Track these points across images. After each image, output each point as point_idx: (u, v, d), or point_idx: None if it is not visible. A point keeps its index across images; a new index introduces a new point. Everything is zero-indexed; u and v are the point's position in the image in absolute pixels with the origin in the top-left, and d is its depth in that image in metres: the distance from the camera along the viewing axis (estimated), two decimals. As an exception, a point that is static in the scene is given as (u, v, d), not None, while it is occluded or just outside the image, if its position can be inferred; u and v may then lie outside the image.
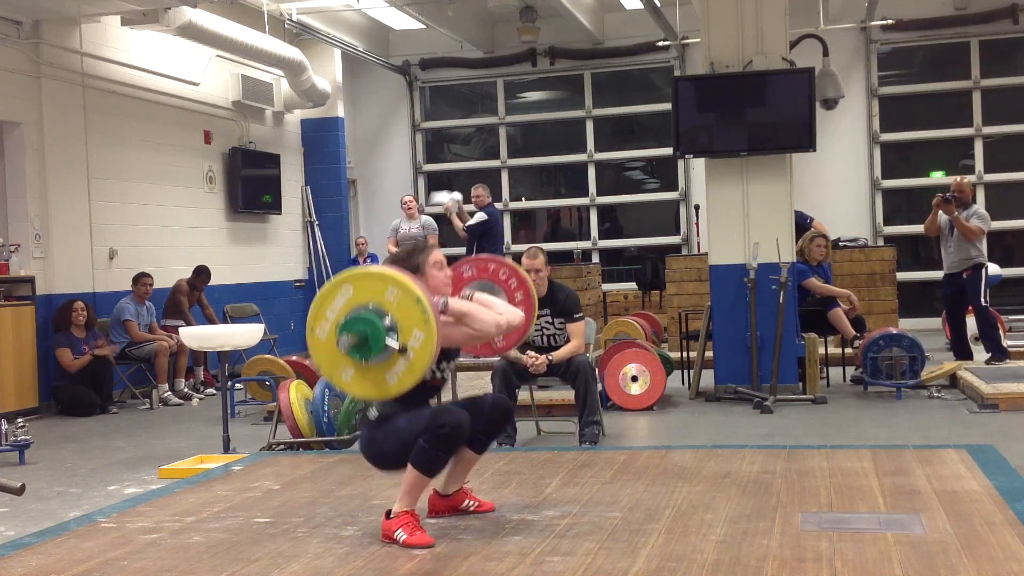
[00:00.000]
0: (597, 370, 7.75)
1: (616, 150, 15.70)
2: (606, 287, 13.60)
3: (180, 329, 8.23)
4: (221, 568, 3.96)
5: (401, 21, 14.83)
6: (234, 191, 12.86)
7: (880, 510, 4.39)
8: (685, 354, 9.61)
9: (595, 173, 15.59)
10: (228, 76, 12.82)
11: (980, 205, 10.34)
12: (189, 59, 11.94)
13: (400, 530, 4.15)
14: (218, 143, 12.70)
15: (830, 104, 12.70)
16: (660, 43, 14.49)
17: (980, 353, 9.65)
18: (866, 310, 10.21)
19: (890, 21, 14.02)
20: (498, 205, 14.20)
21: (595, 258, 15.28)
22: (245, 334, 7.48)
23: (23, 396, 9.44)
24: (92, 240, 10.46)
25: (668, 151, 13.56)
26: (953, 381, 8.84)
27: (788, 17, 8.73)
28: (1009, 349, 9.70)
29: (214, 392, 10.51)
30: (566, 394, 7.16)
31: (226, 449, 6.80)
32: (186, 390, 10.43)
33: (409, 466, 4.18)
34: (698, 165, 13.76)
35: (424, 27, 14.55)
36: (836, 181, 14.37)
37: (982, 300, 9.41)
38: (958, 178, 9.89)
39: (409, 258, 4.33)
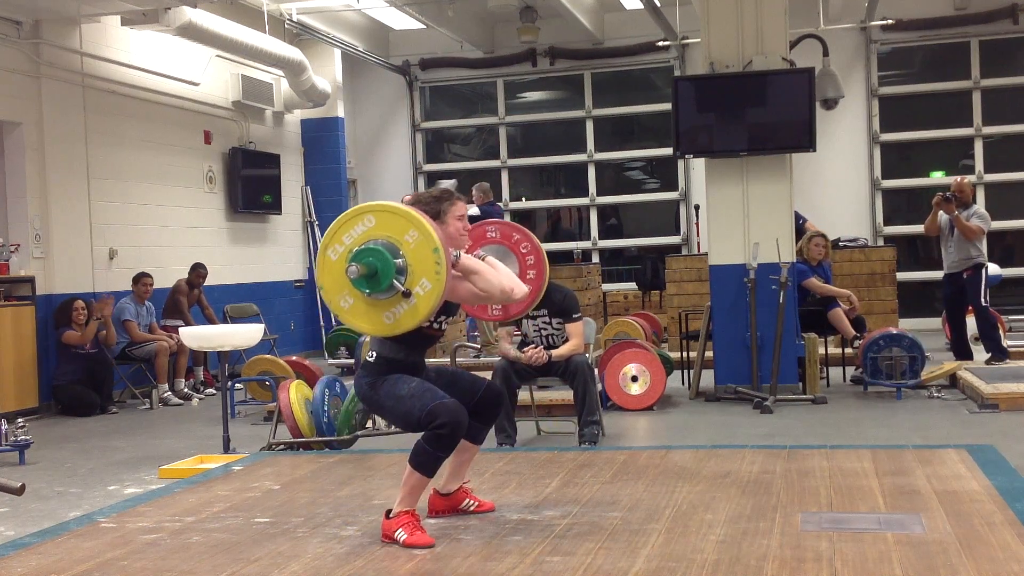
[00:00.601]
0: (597, 370, 7.76)
1: (616, 150, 15.70)
2: (606, 287, 13.60)
3: (180, 329, 8.23)
4: (221, 568, 3.96)
5: (401, 21, 14.83)
6: (234, 191, 12.86)
7: (880, 510, 4.39)
8: (685, 354, 9.61)
9: (595, 173, 15.59)
10: (228, 76, 12.82)
11: (980, 205, 10.35)
12: (189, 59, 11.95)
13: (400, 530, 4.15)
14: (218, 143, 12.70)
15: (830, 104, 12.71)
16: (660, 43, 14.49)
17: (980, 353, 9.65)
18: (866, 310, 10.21)
19: (890, 21, 14.01)
20: (499, 205, 14.20)
21: (595, 258, 15.28)
22: (245, 334, 7.48)
23: (23, 396, 9.44)
24: (92, 240, 10.46)
25: (668, 151, 13.56)
26: (953, 381, 8.84)
27: (788, 17, 8.73)
28: (1009, 349, 9.69)
29: (214, 392, 10.51)
30: (566, 394, 7.16)
31: (226, 449, 6.80)
32: (186, 390, 10.43)
33: (408, 467, 4.18)
34: (698, 165, 13.76)
35: (424, 27, 14.55)
36: (836, 181, 14.36)
37: (982, 300, 9.41)
38: (958, 178, 9.89)
39: (433, 202, 4.28)
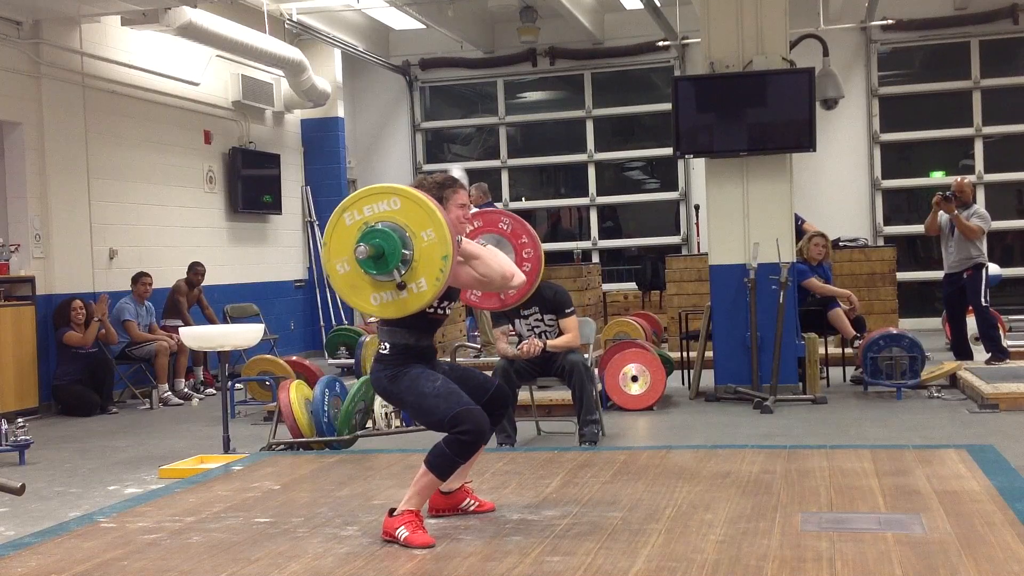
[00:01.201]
0: (597, 370, 7.75)
1: (616, 150, 15.70)
2: (606, 287, 13.59)
3: (180, 329, 8.23)
4: (221, 568, 3.96)
5: (401, 21, 14.83)
6: (234, 191, 12.86)
7: (880, 510, 4.39)
8: (685, 354, 9.61)
9: (595, 173, 15.59)
10: (228, 76, 12.82)
11: (980, 205, 10.34)
12: (189, 59, 11.95)
13: (402, 527, 4.16)
14: (218, 143, 12.70)
15: (830, 104, 12.70)
16: (660, 43, 14.49)
17: (980, 353, 9.65)
18: (866, 310, 10.21)
19: (890, 21, 14.01)
20: (498, 205, 14.20)
21: (595, 258, 15.28)
22: (245, 334, 7.49)
23: (23, 396, 9.44)
24: (92, 240, 10.46)
25: (668, 151, 13.56)
26: (953, 381, 8.84)
27: (788, 17, 8.72)
28: (1009, 349, 9.69)
29: (214, 392, 10.51)
30: (566, 394, 7.16)
31: (226, 449, 6.80)
32: (186, 390, 10.43)
33: (423, 467, 4.20)
34: (698, 165, 13.77)
35: (424, 27, 14.55)
36: (836, 181, 14.36)
37: (982, 300, 9.41)
38: (959, 178, 9.88)
39: (436, 188, 4.32)
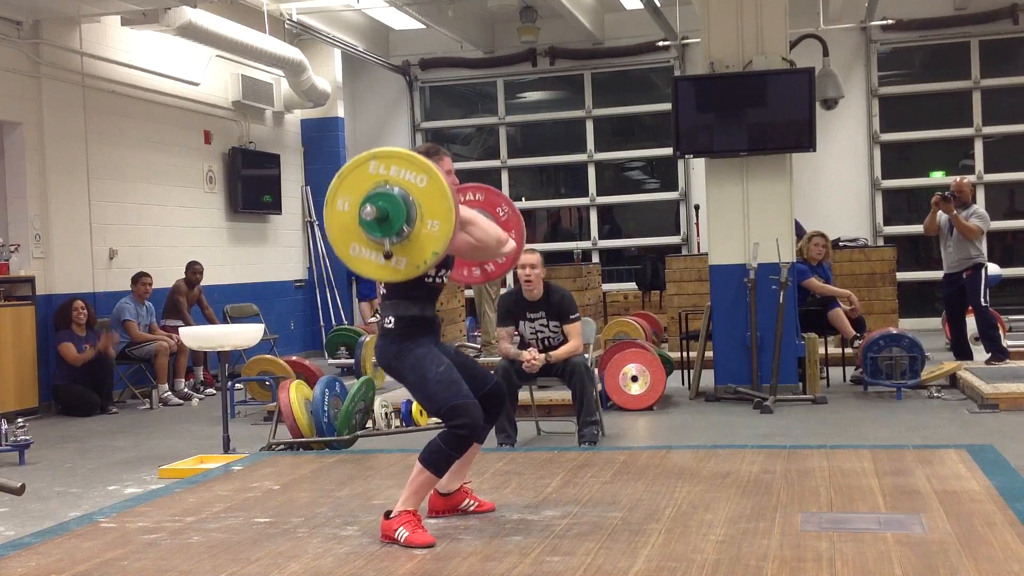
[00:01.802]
0: (597, 370, 7.75)
1: (616, 150, 15.70)
2: (606, 287, 13.60)
3: (180, 329, 8.23)
4: (221, 568, 3.96)
5: (401, 21, 14.83)
6: (234, 191, 12.87)
7: (880, 510, 4.39)
8: (685, 354, 9.61)
9: (595, 173, 15.58)
10: (228, 76, 12.82)
11: (980, 205, 10.34)
12: (189, 59, 11.95)
13: (402, 528, 4.16)
14: (218, 143, 12.70)
15: (830, 104, 12.69)
16: (660, 43, 14.49)
17: (980, 353, 9.65)
18: (866, 310, 10.20)
19: (890, 21, 14.01)
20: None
21: (595, 258, 15.27)
22: (245, 334, 7.49)
23: (23, 396, 9.44)
24: (92, 240, 10.46)
25: (668, 151, 13.55)
26: (953, 381, 8.84)
27: (788, 17, 8.72)
28: (1009, 349, 9.69)
29: (214, 392, 10.51)
30: (566, 394, 7.16)
31: (226, 449, 6.80)
32: (186, 390, 10.43)
33: (418, 465, 4.20)
34: (698, 165, 13.76)
35: (424, 27, 14.55)
36: (836, 181, 14.36)
37: (982, 300, 9.40)
38: (958, 178, 9.88)
39: (423, 156, 4.29)
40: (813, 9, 12.87)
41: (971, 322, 9.76)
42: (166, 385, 10.14)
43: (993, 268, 10.68)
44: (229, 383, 7.57)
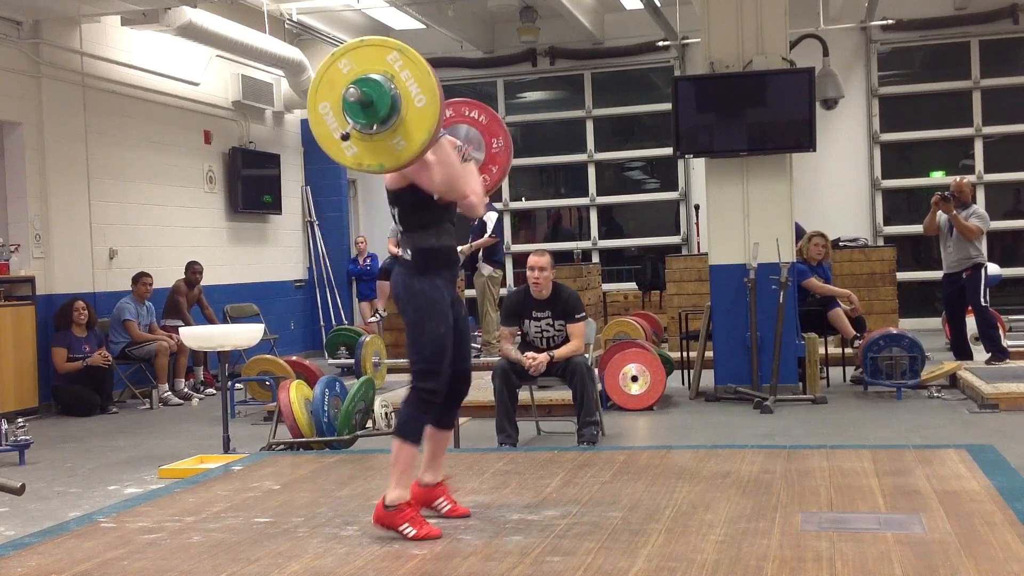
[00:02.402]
0: (597, 370, 7.75)
1: (616, 150, 15.69)
2: (606, 287, 13.60)
3: (180, 329, 8.23)
4: (221, 568, 3.96)
5: (401, 21, 14.82)
6: (234, 191, 12.87)
7: (880, 510, 4.39)
8: (685, 354, 9.61)
9: (595, 173, 15.58)
10: (228, 76, 12.82)
11: (980, 205, 10.34)
12: (189, 59, 11.95)
13: (407, 525, 4.17)
14: (218, 143, 12.70)
15: (830, 104, 12.69)
16: (660, 43, 14.49)
17: (980, 353, 9.65)
18: (866, 310, 10.21)
19: (890, 21, 14.01)
20: (498, 205, 14.21)
21: (595, 258, 15.27)
22: (245, 334, 7.49)
23: (23, 396, 9.44)
24: (92, 240, 10.46)
25: (668, 151, 13.54)
26: (953, 381, 8.84)
27: (788, 17, 8.72)
28: (1009, 349, 9.69)
29: (214, 392, 10.51)
30: (566, 394, 7.16)
31: (226, 449, 6.80)
32: (186, 390, 10.43)
33: (396, 442, 4.27)
34: (698, 165, 13.76)
35: (424, 27, 14.53)
36: (836, 181, 14.36)
37: (982, 300, 9.41)
38: (958, 178, 9.88)
39: None
40: (813, 9, 12.87)
41: (971, 322, 9.77)
42: (166, 385, 10.14)
43: (993, 268, 10.68)
44: (229, 383, 7.57)
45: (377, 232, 14.99)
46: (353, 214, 15.74)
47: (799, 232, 9.60)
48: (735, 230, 8.65)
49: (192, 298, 11.21)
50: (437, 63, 15.57)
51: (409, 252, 4.36)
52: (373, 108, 4.01)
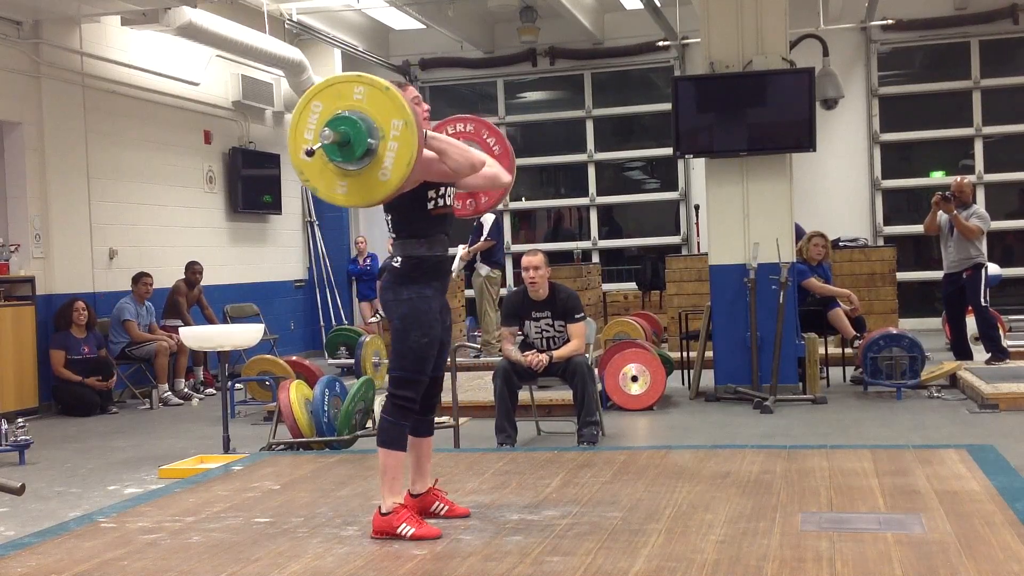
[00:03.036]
0: (597, 370, 7.75)
1: (616, 150, 15.70)
2: (606, 287, 13.60)
3: (180, 329, 8.22)
4: (221, 568, 3.96)
5: (401, 21, 14.83)
6: (234, 191, 12.87)
7: (880, 510, 4.39)
8: (685, 354, 9.61)
9: (595, 173, 15.59)
10: (228, 76, 12.82)
11: (980, 205, 10.34)
12: (189, 59, 11.95)
13: (405, 524, 4.18)
14: (218, 143, 12.70)
15: (830, 104, 12.69)
16: (660, 43, 14.49)
17: (980, 353, 9.65)
18: (866, 310, 10.21)
19: (890, 21, 14.01)
20: (498, 206, 14.19)
21: (595, 258, 15.27)
22: (245, 334, 7.49)
23: (23, 396, 9.44)
24: (92, 240, 10.46)
25: (668, 151, 13.54)
26: (953, 381, 8.84)
27: (788, 17, 8.72)
28: (1009, 349, 9.69)
29: (214, 392, 10.51)
30: (566, 394, 7.17)
31: (226, 449, 6.80)
32: (186, 390, 10.43)
33: (380, 451, 4.28)
34: (698, 165, 13.76)
35: (424, 27, 14.55)
36: (836, 181, 14.36)
37: (982, 300, 9.41)
38: (958, 178, 9.88)
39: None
40: (813, 9, 12.87)
41: (971, 322, 9.77)
42: (166, 385, 10.14)
43: (993, 268, 10.68)
44: (229, 383, 7.57)
45: (377, 232, 14.99)
46: (353, 214, 15.71)
47: (799, 232, 9.60)
48: (735, 230, 8.65)
49: (192, 298, 11.21)
50: (437, 63, 15.73)
51: (399, 259, 4.34)
52: (350, 146, 4.00)
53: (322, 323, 14.54)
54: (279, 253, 14.05)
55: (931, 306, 13.75)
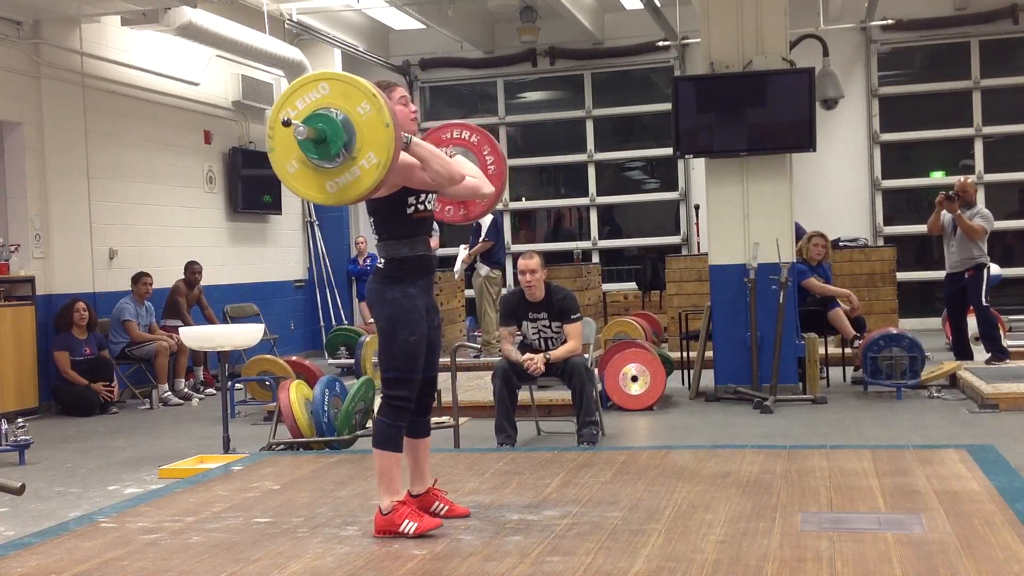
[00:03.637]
0: (597, 370, 7.75)
1: (616, 150, 15.69)
2: (606, 287, 13.60)
3: (180, 329, 8.22)
4: (221, 568, 3.96)
5: (401, 21, 14.83)
6: (234, 191, 12.87)
7: (880, 510, 4.39)
8: (685, 354, 9.61)
9: (595, 173, 15.58)
10: (228, 76, 12.82)
11: (981, 205, 10.34)
12: (189, 59, 11.94)
13: (407, 521, 4.19)
14: (218, 143, 12.70)
15: (830, 104, 12.68)
16: (660, 43, 14.49)
17: (980, 353, 9.65)
18: (866, 310, 10.21)
19: (890, 21, 14.01)
20: (497, 206, 14.19)
21: (595, 258, 15.27)
22: (245, 334, 7.49)
23: (23, 396, 9.44)
24: (92, 240, 10.46)
25: (668, 151, 13.55)
26: (953, 381, 8.84)
27: (788, 17, 8.72)
28: (1009, 349, 9.69)
29: (214, 392, 10.51)
30: (566, 394, 7.16)
31: (226, 449, 6.80)
32: (186, 390, 10.43)
33: (376, 452, 4.27)
34: (698, 165, 13.76)
35: (424, 27, 14.55)
36: (836, 181, 14.36)
37: (983, 300, 9.41)
38: (962, 178, 9.89)
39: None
40: (813, 9, 12.87)
41: (971, 322, 9.76)
42: (166, 385, 10.14)
43: (994, 268, 10.68)
44: (229, 383, 7.57)
45: (377, 232, 14.95)
46: (353, 214, 15.70)
47: (799, 232, 9.60)
48: (735, 230, 8.65)
49: (192, 298, 11.21)
50: (437, 63, 15.73)
51: (382, 261, 4.37)
52: (326, 143, 4.02)
53: (322, 323, 14.54)
54: (279, 253, 14.05)
55: (931, 306, 13.75)
